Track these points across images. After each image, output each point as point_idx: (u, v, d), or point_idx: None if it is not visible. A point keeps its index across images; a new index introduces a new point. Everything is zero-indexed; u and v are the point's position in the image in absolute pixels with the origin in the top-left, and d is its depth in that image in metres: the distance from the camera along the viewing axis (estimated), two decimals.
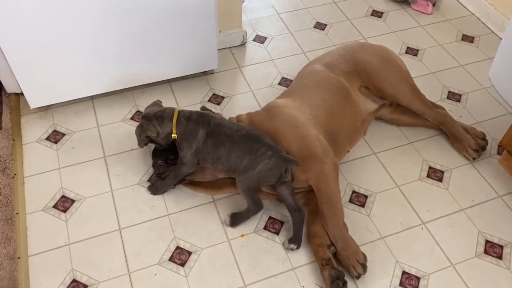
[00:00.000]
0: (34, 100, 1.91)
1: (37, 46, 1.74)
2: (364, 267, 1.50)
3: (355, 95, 1.84)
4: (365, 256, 1.52)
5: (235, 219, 1.64)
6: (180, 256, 1.58)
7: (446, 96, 2.15)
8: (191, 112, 1.65)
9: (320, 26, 2.52)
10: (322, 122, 1.69)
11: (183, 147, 1.61)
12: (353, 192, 1.78)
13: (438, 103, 2.08)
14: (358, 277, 1.50)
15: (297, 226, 1.60)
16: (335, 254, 1.53)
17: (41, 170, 1.80)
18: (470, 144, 1.87)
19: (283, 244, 1.61)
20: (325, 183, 1.54)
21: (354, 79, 1.86)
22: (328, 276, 1.47)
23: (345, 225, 1.56)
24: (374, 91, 1.88)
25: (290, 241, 1.59)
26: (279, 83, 2.20)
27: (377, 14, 2.61)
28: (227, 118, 1.78)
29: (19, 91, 1.97)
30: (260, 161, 1.52)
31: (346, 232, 1.55)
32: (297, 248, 1.59)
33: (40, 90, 1.89)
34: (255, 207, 1.61)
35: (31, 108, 1.95)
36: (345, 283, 1.46)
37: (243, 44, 2.38)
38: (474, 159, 1.87)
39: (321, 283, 1.51)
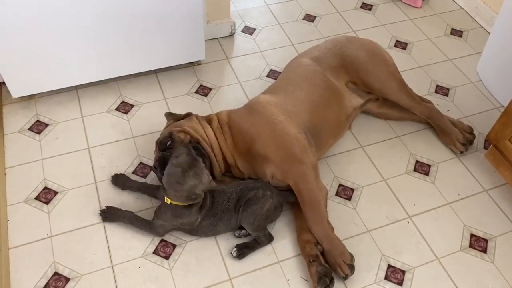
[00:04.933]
0: (16, 89, 1.87)
1: (19, 34, 1.69)
2: (351, 267, 1.48)
3: (342, 90, 1.83)
4: (352, 256, 1.50)
5: (243, 251, 1.54)
6: (164, 249, 1.56)
7: (434, 90, 2.15)
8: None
9: (309, 18, 2.50)
10: (305, 117, 1.67)
11: (165, 218, 1.49)
12: (340, 185, 1.77)
13: (426, 97, 2.08)
14: (346, 278, 1.48)
15: (254, 245, 1.55)
16: (322, 252, 1.51)
17: (23, 161, 1.76)
18: (457, 137, 1.87)
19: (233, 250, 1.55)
20: (304, 184, 1.52)
21: (341, 74, 1.84)
22: (315, 273, 1.45)
23: (330, 224, 1.55)
24: (362, 86, 1.87)
25: (239, 247, 1.54)
26: (268, 75, 2.18)
27: (366, 6, 2.59)
28: (212, 112, 1.76)
29: (1, 80, 1.92)
30: (265, 201, 1.51)
31: (331, 232, 1.53)
32: (237, 258, 1.53)
33: (23, 79, 1.84)
34: (266, 240, 1.56)
35: (13, 98, 1.91)
36: (332, 280, 1.45)
37: (231, 35, 2.35)
38: (461, 152, 1.88)
39: (308, 279, 1.51)
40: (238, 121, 1.64)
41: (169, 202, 1.46)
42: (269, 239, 1.57)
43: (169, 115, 1.75)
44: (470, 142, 1.89)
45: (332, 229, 1.54)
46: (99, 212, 1.60)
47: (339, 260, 1.48)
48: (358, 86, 1.87)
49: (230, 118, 1.66)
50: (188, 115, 1.71)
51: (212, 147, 1.63)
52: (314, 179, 1.55)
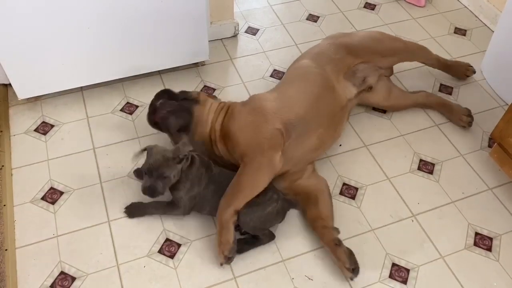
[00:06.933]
0: (22, 91, 1.89)
1: (25, 36, 1.71)
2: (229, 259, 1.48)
3: (338, 82, 1.82)
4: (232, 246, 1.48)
5: (242, 247, 1.55)
6: (169, 248, 1.57)
7: (438, 89, 2.15)
8: (202, 158, 1.59)
9: (313, 18, 2.50)
10: (295, 111, 1.67)
11: (182, 187, 1.53)
12: (344, 184, 1.78)
13: None
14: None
15: (254, 242, 1.56)
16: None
17: (30, 162, 1.78)
18: (462, 111, 1.97)
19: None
20: (248, 169, 1.52)
21: (347, 61, 1.85)
22: (343, 253, 1.49)
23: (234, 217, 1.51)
24: (376, 58, 1.90)
25: (238, 243, 1.52)
26: (271, 75, 2.18)
27: (369, 6, 2.59)
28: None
29: (7, 82, 1.94)
30: (269, 204, 1.51)
31: (229, 219, 1.48)
32: (236, 253, 1.52)
33: (29, 81, 1.86)
34: (266, 238, 1.56)
35: (19, 99, 1.93)
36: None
37: (235, 35, 2.36)
38: (469, 125, 1.96)
39: (312, 277, 1.51)
40: (236, 110, 1.67)
41: None
42: (270, 237, 1.57)
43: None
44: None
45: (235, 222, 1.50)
46: (124, 210, 1.63)
47: (219, 248, 1.48)
48: (371, 62, 1.90)
49: (231, 107, 1.70)
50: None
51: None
52: (260, 175, 1.53)
